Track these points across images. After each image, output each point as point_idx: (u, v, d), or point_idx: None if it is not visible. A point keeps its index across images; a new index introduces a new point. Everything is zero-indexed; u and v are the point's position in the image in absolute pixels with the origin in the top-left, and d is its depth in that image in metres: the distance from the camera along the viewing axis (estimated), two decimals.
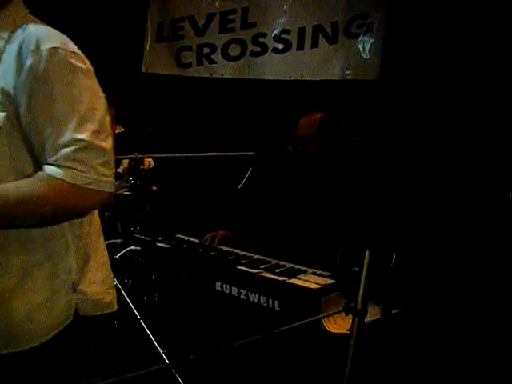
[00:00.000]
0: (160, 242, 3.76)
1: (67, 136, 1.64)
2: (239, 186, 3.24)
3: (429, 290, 3.46)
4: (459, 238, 3.85)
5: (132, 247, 3.62)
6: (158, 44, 5.26)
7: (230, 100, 4.92)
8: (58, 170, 1.64)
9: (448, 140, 4.04)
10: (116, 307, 2.00)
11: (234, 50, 4.99)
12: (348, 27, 4.67)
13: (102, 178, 1.67)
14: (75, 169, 1.63)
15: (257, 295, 3.17)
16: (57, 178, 1.64)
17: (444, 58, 4.17)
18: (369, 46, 4.59)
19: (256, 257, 3.54)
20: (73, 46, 1.73)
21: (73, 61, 1.69)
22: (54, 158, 1.65)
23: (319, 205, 3.45)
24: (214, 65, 5.06)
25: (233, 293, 3.26)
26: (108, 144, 1.70)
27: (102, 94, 1.75)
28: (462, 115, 4.03)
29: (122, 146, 3.68)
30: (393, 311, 3.07)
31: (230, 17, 5.00)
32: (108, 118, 1.78)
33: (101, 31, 4.95)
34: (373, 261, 2.59)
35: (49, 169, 1.65)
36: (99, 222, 2.00)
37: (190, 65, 5.15)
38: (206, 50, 5.09)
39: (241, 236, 3.72)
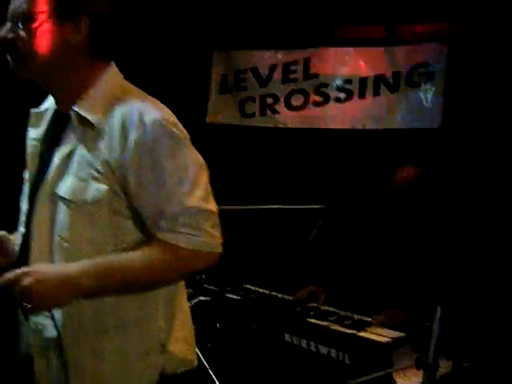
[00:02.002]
0: (228, 292, 3.81)
1: (180, 204, 1.72)
2: (309, 239, 3.27)
3: (500, 345, 3.42)
4: None
5: (201, 298, 3.66)
6: (222, 95, 5.37)
7: (295, 150, 4.97)
8: (174, 236, 1.71)
9: None
10: (196, 363, 2.01)
11: (297, 100, 5.06)
12: (410, 76, 4.70)
13: (213, 240, 1.74)
14: (190, 234, 1.71)
15: (327, 348, 3.19)
16: (174, 245, 1.71)
17: (506, 106, 4.16)
18: (430, 94, 4.62)
19: (324, 308, 3.57)
20: (171, 116, 1.80)
21: (175, 131, 1.76)
22: (168, 225, 1.72)
23: (389, 258, 3.46)
24: (277, 115, 5.14)
25: (302, 345, 3.29)
26: (214, 207, 1.78)
27: (202, 161, 1.82)
28: None
29: None
30: (464, 365, 3.05)
31: (293, 68, 5.08)
32: None
33: (166, 83, 5.08)
34: (444, 316, 2.59)
35: (164, 236, 1.73)
36: (183, 280, 2.02)
37: (253, 115, 5.23)
38: (269, 101, 5.18)
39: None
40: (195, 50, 5.23)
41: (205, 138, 5.20)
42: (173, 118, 1.80)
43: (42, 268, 1.71)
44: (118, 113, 1.76)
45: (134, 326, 1.81)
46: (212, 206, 1.77)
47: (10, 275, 1.66)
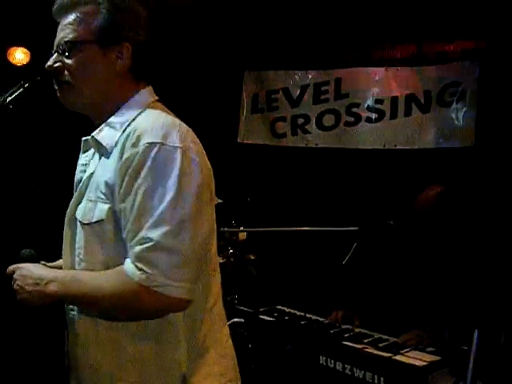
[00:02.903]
0: (262, 313, 3.82)
1: (141, 233, 1.64)
2: (344, 262, 3.27)
3: None
4: None
5: (236, 319, 3.67)
6: (253, 115, 5.41)
7: (327, 170, 4.98)
8: (131, 266, 1.65)
9: None
10: None
11: (328, 121, 5.08)
12: (441, 95, 4.70)
13: (169, 282, 1.62)
14: (142, 269, 1.62)
15: (362, 371, 3.18)
16: (127, 275, 1.65)
17: None
18: (462, 113, 4.61)
19: (358, 330, 3.56)
20: (175, 140, 1.71)
21: (167, 157, 1.67)
22: (129, 253, 1.67)
23: (425, 280, 3.45)
24: (308, 135, 5.16)
25: (337, 367, 3.28)
26: (187, 246, 1.65)
27: (197, 193, 1.70)
28: None
29: (219, 217, 3.78)
30: None
31: (324, 88, 5.11)
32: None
33: (198, 103, 5.13)
34: (482, 340, 2.58)
35: (126, 263, 1.67)
36: (223, 312, 1.96)
37: (284, 135, 5.26)
38: (300, 121, 5.21)
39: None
40: (227, 70, 5.29)
41: (236, 157, 5.30)
42: (177, 144, 1.70)
43: (30, 267, 1.84)
44: (126, 133, 1.77)
45: (152, 355, 1.77)
46: (182, 244, 1.64)
47: (9, 268, 1.86)
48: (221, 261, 4.35)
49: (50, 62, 1.86)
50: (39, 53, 4.65)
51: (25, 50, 5.10)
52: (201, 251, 1.72)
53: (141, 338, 1.77)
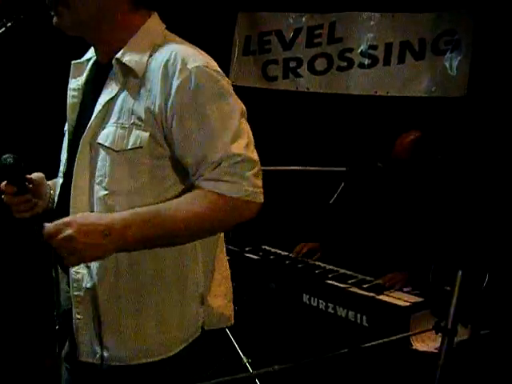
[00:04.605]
0: (247, 252, 3.83)
1: (223, 151, 1.68)
2: (331, 201, 3.27)
3: None
4: None
5: None
6: (245, 57, 5.32)
7: (318, 113, 4.94)
8: (218, 184, 1.68)
9: None
10: (233, 321, 1.98)
11: (321, 65, 5.01)
12: (435, 43, 4.64)
13: (256, 189, 1.71)
14: (234, 182, 1.67)
15: (345, 310, 3.21)
16: (217, 193, 1.67)
17: None
18: (456, 62, 4.56)
19: (342, 271, 3.58)
20: (214, 64, 1.78)
21: (220, 78, 1.74)
22: (211, 173, 1.69)
23: (411, 222, 3.46)
24: (300, 78, 5.09)
25: (320, 306, 3.30)
26: (256, 156, 1.74)
27: (244, 109, 1.78)
28: None
29: None
30: (481, 332, 3.05)
31: (317, 32, 5.02)
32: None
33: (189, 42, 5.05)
34: (465, 281, 2.58)
35: (207, 184, 1.69)
36: (222, 235, 1.99)
37: (276, 78, 5.19)
38: (292, 64, 5.13)
39: (329, 249, 3.74)
40: (219, 10, 5.19)
41: None
42: (215, 65, 1.77)
43: (85, 218, 1.67)
44: (160, 60, 1.74)
45: (173, 277, 1.80)
46: (255, 155, 1.73)
47: (50, 227, 1.64)
48: None
49: None
50: None
51: None
52: None
53: (161, 259, 1.78)
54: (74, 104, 1.93)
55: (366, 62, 4.85)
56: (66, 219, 1.65)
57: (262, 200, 1.74)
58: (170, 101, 1.70)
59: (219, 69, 1.78)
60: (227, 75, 5.41)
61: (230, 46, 5.36)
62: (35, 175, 1.97)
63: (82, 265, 1.78)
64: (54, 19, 1.82)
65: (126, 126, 1.74)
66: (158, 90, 1.71)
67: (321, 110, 4.93)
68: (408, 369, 3.00)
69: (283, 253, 3.92)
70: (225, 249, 2.02)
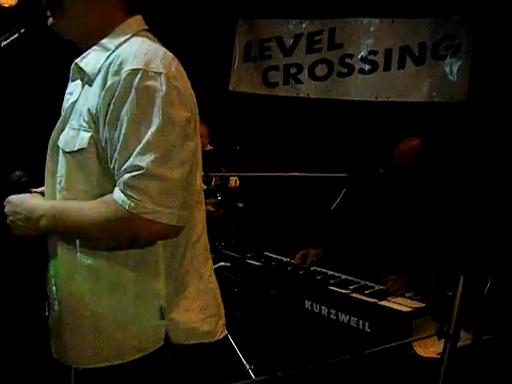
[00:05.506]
0: (249, 258, 3.83)
1: (129, 161, 1.61)
2: (332, 207, 3.27)
3: None
4: None
5: (222, 263, 3.69)
6: (246, 63, 5.35)
7: (319, 120, 4.95)
8: (120, 194, 1.63)
9: None
10: (217, 337, 1.91)
11: (321, 71, 5.04)
12: (435, 49, 4.66)
13: (159, 208, 1.61)
14: (132, 196, 1.60)
15: (347, 316, 3.20)
16: (116, 203, 1.63)
17: None
18: (456, 67, 4.58)
19: (344, 277, 3.57)
20: (158, 66, 1.66)
21: (151, 84, 1.63)
22: (118, 181, 1.64)
23: (412, 227, 3.45)
24: (300, 85, 5.12)
25: (322, 312, 3.30)
26: (174, 174, 1.63)
27: (181, 120, 1.68)
28: None
29: (209, 163, 3.76)
30: (484, 337, 3.05)
31: (317, 37, 5.05)
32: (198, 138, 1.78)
33: (190, 50, 5.06)
34: (467, 286, 2.58)
35: (115, 192, 1.65)
36: (206, 247, 1.94)
37: (276, 84, 5.22)
38: (292, 70, 5.15)
39: (332, 255, 3.74)
40: (220, 17, 5.21)
41: (227, 105, 5.26)
42: (161, 70, 1.66)
43: (20, 200, 1.85)
44: (109, 61, 1.72)
45: (131, 286, 1.77)
46: (170, 172, 1.62)
47: (5, 201, 1.87)
48: (212, 209, 4.36)
49: None
50: None
51: None
52: (187, 180, 1.69)
53: (120, 266, 1.76)
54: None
55: (367, 67, 4.88)
56: (10, 197, 1.88)
57: (170, 222, 1.64)
58: (101, 102, 1.68)
59: (165, 71, 1.66)
60: (228, 81, 5.46)
61: (231, 53, 5.39)
62: (41, 189, 1.99)
63: (50, 265, 1.90)
64: (49, 20, 1.83)
65: (76, 127, 1.76)
66: (96, 92, 1.71)
67: (321, 116, 4.94)
68: (410, 374, 2.99)
69: (285, 259, 3.92)
70: (211, 261, 1.97)
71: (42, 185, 1.99)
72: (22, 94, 4.92)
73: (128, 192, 1.61)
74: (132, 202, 1.60)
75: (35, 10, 1.86)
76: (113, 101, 1.65)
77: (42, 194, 1.96)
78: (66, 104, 1.89)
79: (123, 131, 1.63)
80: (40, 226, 1.76)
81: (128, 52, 1.70)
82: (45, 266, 1.96)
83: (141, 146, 1.61)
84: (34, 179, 2.04)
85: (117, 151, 1.64)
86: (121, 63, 1.66)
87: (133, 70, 1.64)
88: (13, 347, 3.89)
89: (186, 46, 4.92)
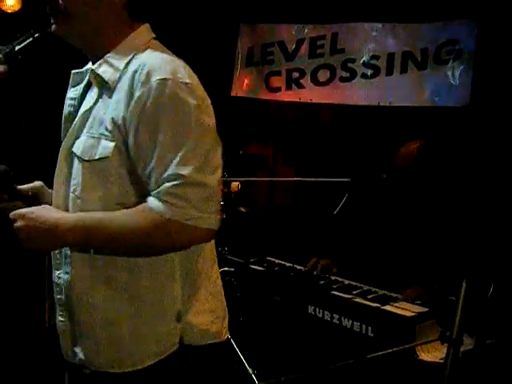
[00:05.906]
0: (252, 263, 3.83)
1: (170, 170, 1.66)
2: (335, 212, 3.27)
3: None
4: None
5: (226, 268, 3.70)
6: (248, 68, 5.35)
7: (321, 125, 4.96)
8: (159, 203, 1.66)
9: None
10: (224, 337, 1.97)
11: (323, 75, 5.03)
12: (437, 53, 4.65)
13: (201, 214, 1.66)
14: (174, 204, 1.64)
15: (350, 320, 3.20)
16: (156, 212, 1.65)
17: None
18: (458, 72, 4.57)
19: (347, 282, 3.57)
20: (184, 76, 1.73)
21: (182, 93, 1.69)
22: (156, 190, 1.67)
23: (415, 232, 3.45)
24: (302, 89, 5.11)
25: (325, 317, 3.29)
26: (212, 180, 1.69)
27: (212, 128, 1.74)
28: None
29: None
30: (487, 342, 3.05)
31: (320, 42, 5.04)
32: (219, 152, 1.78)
33: (192, 55, 5.07)
34: (470, 290, 2.58)
35: (151, 201, 1.68)
36: (213, 250, 1.98)
37: (279, 89, 5.21)
38: (295, 75, 5.14)
39: (339, 266, 3.72)
40: (222, 22, 5.22)
41: (229, 111, 5.26)
42: (185, 78, 1.72)
43: (37, 212, 1.76)
44: (131, 71, 1.75)
45: (148, 291, 1.80)
46: (208, 178, 1.68)
47: (12, 214, 1.78)
48: None
49: None
50: None
51: None
52: (219, 184, 1.75)
53: (137, 273, 1.78)
54: (69, 113, 1.96)
55: (369, 72, 4.87)
56: (22, 211, 1.78)
57: (210, 226, 1.70)
58: (129, 112, 1.70)
59: (191, 80, 1.74)
60: (230, 87, 5.48)
61: (233, 58, 5.39)
62: (34, 184, 2.03)
63: (62, 270, 1.86)
64: (53, 27, 1.86)
65: (96, 135, 1.77)
66: (122, 101, 1.73)
67: (324, 121, 4.95)
68: (414, 379, 2.99)
69: (288, 264, 3.91)
70: (216, 264, 2.00)
71: (31, 182, 2.03)
72: (25, 94, 4.94)
73: (170, 200, 1.65)
74: (174, 209, 1.64)
75: (42, 15, 1.88)
76: (144, 110, 1.68)
77: (33, 193, 1.99)
78: (71, 109, 1.92)
79: (161, 140, 1.67)
80: (67, 239, 1.73)
81: (152, 62, 1.74)
82: (43, 271, 1.98)
83: (180, 154, 1.66)
84: (33, 179, 2.06)
85: (153, 161, 1.68)
86: (148, 73, 1.70)
87: (162, 79, 1.69)
88: (13, 348, 3.91)
89: (187, 51, 4.90)
